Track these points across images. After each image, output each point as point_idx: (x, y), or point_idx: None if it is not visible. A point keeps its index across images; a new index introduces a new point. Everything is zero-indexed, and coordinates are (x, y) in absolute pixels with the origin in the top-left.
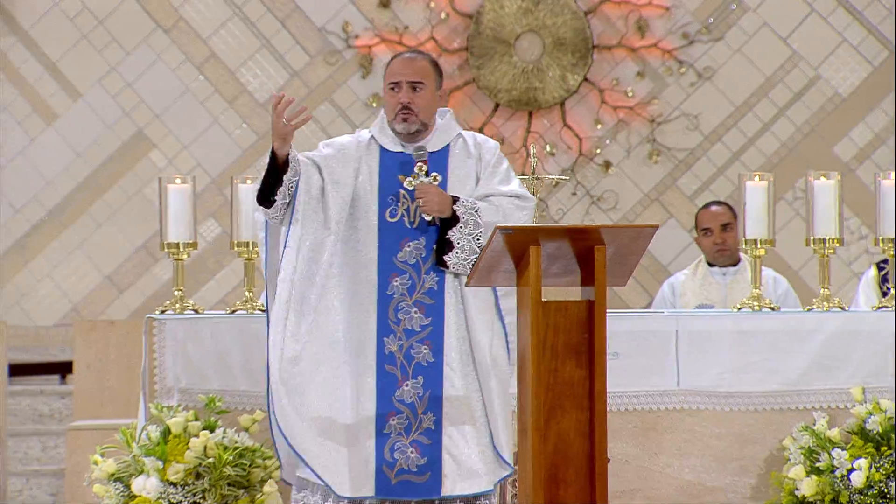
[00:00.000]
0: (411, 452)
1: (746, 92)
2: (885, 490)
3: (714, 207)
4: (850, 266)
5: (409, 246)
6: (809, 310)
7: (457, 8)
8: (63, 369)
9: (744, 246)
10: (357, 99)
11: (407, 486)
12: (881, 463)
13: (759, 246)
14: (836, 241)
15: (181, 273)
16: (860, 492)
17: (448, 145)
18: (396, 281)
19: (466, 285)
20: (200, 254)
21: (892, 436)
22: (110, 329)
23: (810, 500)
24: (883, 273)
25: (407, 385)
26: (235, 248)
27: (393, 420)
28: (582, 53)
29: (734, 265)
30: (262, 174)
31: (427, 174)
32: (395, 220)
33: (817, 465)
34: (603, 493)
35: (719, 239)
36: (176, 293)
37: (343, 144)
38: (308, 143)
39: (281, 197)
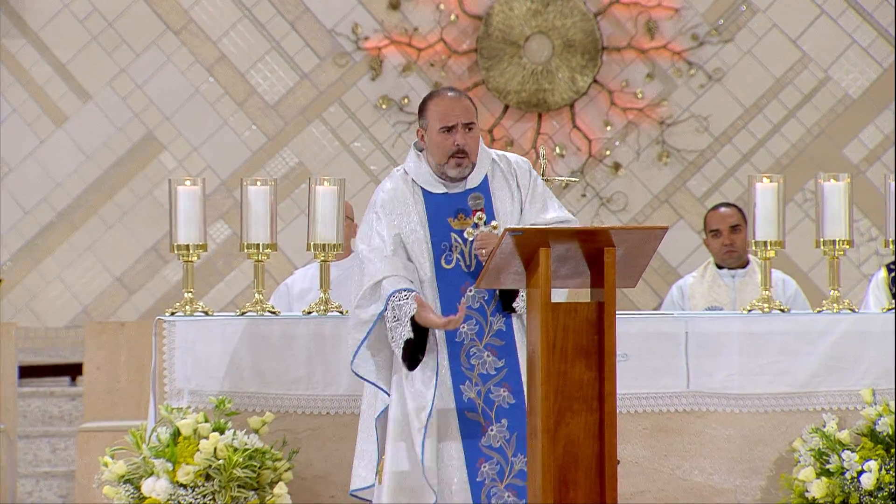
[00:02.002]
0: (508, 497)
1: (756, 93)
2: None
3: (723, 209)
4: (859, 268)
5: (470, 290)
6: (819, 311)
7: (466, 10)
8: (73, 371)
9: (753, 248)
10: (367, 101)
11: None
12: (891, 465)
13: (768, 248)
14: (845, 242)
15: (191, 275)
16: (870, 494)
17: (486, 176)
18: (464, 327)
19: (476, 287)
20: (210, 256)
21: None
22: (120, 331)
23: (820, 502)
24: (893, 275)
25: (492, 430)
26: (245, 250)
27: (484, 467)
28: (591, 55)
29: (743, 267)
30: (396, 332)
31: (486, 223)
32: (450, 266)
33: (827, 466)
34: (612, 494)
35: (728, 240)
36: (186, 295)
37: (396, 194)
38: (318, 146)
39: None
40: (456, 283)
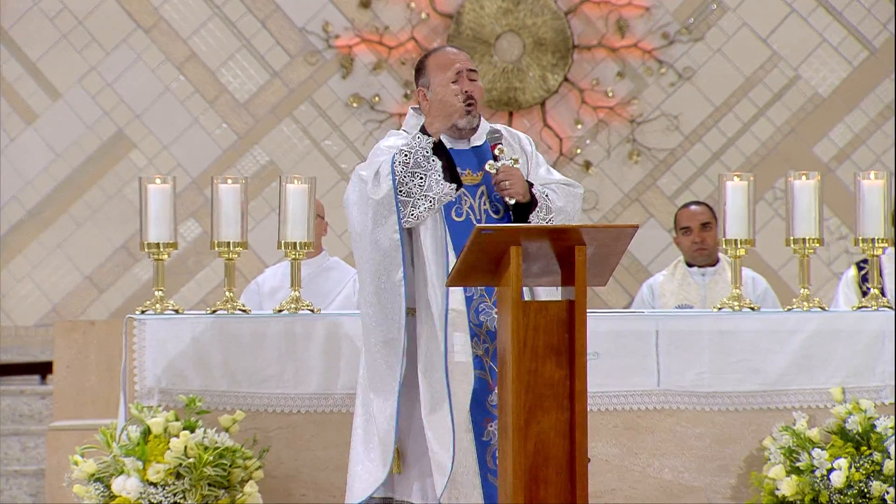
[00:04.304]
0: None
1: (726, 92)
2: (865, 490)
3: (693, 207)
4: (829, 266)
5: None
6: (789, 310)
7: (437, 8)
8: (43, 369)
9: (724, 246)
10: (337, 99)
11: None
12: (861, 463)
13: (739, 246)
14: (815, 241)
15: (161, 273)
16: (840, 492)
17: (486, 140)
18: None
19: (447, 285)
20: (181, 254)
21: (872, 435)
22: (90, 329)
23: (790, 499)
24: (863, 273)
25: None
26: (216, 249)
27: (490, 426)
28: (562, 53)
29: (713, 265)
30: (417, 154)
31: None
32: (461, 219)
33: (797, 464)
34: (583, 493)
35: (698, 238)
36: (156, 293)
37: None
38: (288, 144)
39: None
40: (467, 235)
